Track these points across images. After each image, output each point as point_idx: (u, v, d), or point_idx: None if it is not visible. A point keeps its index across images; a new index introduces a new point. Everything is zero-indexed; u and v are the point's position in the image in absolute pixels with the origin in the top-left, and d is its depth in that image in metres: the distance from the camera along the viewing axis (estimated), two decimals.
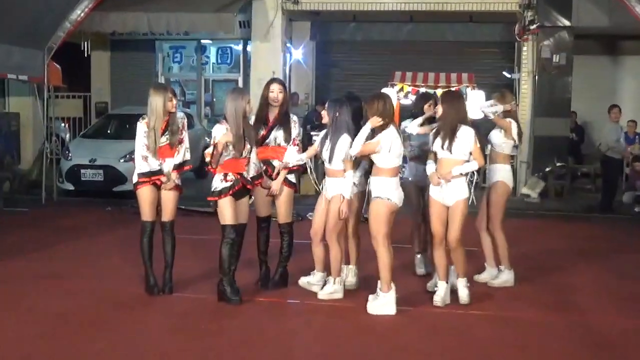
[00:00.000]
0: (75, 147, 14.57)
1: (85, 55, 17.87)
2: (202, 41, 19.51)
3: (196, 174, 15.69)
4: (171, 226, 7.11)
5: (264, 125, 7.21)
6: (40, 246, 9.33)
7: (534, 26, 15.12)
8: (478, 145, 6.75)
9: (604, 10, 14.76)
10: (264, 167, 7.18)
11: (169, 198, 7.03)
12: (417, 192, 7.87)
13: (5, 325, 6.22)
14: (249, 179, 6.91)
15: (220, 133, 6.68)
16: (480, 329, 6.34)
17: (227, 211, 6.74)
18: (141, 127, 6.89)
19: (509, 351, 5.84)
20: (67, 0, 12.77)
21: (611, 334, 6.33)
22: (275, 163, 7.19)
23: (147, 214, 7.02)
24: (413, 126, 7.56)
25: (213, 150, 6.66)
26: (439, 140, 6.76)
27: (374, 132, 6.64)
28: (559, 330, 6.35)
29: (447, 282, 6.90)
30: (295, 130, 7.22)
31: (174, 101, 6.96)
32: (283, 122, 7.18)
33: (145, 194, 6.96)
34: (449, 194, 6.74)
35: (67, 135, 18.91)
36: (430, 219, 6.94)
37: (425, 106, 7.67)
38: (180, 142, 7.01)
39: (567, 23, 15.15)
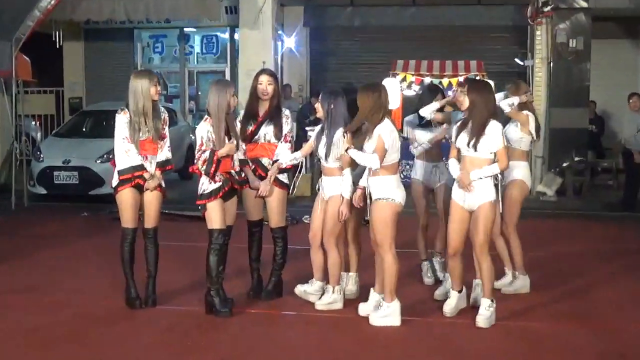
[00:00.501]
0: (47, 148, 14.56)
1: (57, 46, 17.85)
2: (185, 29, 19.53)
3: (180, 175, 15.71)
4: (154, 233, 7.11)
5: (253, 121, 7.23)
6: (9, 257, 9.31)
7: (548, 8, 15.14)
8: (505, 144, 6.62)
9: None
10: (253, 166, 7.20)
11: (151, 202, 7.04)
12: (425, 194, 7.89)
13: None
14: (237, 178, 6.94)
15: (205, 132, 6.71)
16: (493, 340, 6.36)
17: (215, 214, 6.76)
18: (121, 118, 6.87)
19: None
20: None
21: (636, 344, 6.35)
22: (265, 161, 7.21)
23: (128, 220, 7.02)
24: (427, 111, 7.53)
25: (212, 158, 6.67)
26: (464, 135, 6.56)
27: (360, 130, 6.64)
28: (578, 341, 6.37)
29: (459, 292, 6.85)
30: (288, 125, 7.23)
31: (158, 88, 6.96)
32: (274, 116, 7.19)
33: (126, 198, 6.95)
34: (472, 197, 6.54)
35: (38, 135, 18.90)
36: (448, 223, 6.79)
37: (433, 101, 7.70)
38: (163, 137, 7.03)
39: (584, 4, 15.17)
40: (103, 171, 12.91)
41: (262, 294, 7.40)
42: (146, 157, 6.93)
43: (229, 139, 6.80)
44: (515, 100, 7.49)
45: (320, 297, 7.13)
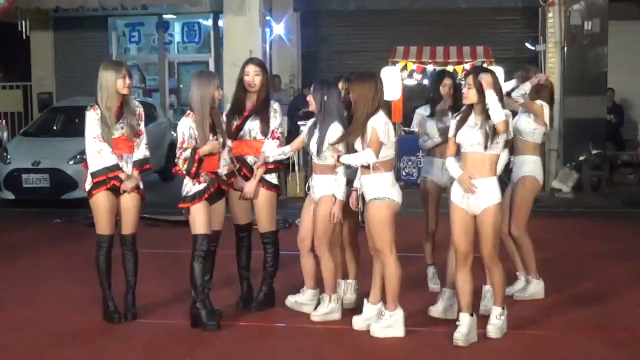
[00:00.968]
0: (14, 148, 14.55)
1: (24, 37, 17.80)
2: (164, 16, 19.48)
3: (161, 176, 15.69)
4: (133, 240, 7.10)
5: (238, 115, 7.24)
6: None
7: None
8: (512, 136, 6.53)
9: None
10: (238, 165, 7.19)
11: (129, 206, 7.02)
12: (436, 194, 7.85)
13: None
14: (224, 178, 6.94)
15: (187, 128, 6.71)
16: (505, 351, 6.37)
17: (200, 218, 6.75)
18: (91, 115, 6.87)
19: None
20: None
21: None
22: (250, 160, 7.22)
23: (103, 226, 7.01)
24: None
25: (193, 156, 6.67)
26: (468, 130, 6.38)
27: (350, 121, 6.66)
28: (598, 352, 6.38)
29: (471, 315, 6.48)
30: (276, 120, 7.22)
31: (127, 80, 6.91)
32: (260, 110, 7.19)
33: (101, 202, 6.94)
34: (475, 199, 6.36)
35: (5, 134, 18.86)
36: (451, 229, 6.57)
37: (441, 88, 7.70)
38: (138, 134, 7.01)
39: None
40: (76, 173, 12.87)
41: (252, 305, 7.40)
42: (121, 157, 6.92)
43: (214, 135, 6.80)
44: (527, 87, 7.46)
45: (315, 307, 7.13)
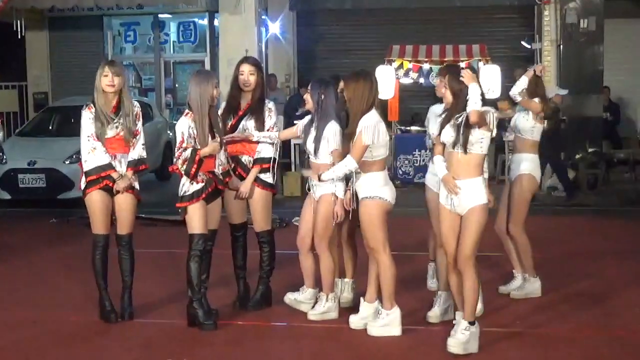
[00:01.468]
0: (10, 148, 14.53)
1: (19, 36, 17.79)
2: (160, 15, 19.48)
3: (157, 176, 15.68)
4: (129, 240, 7.09)
5: (233, 114, 7.23)
6: None
7: None
8: (491, 134, 6.21)
9: None
10: (233, 165, 7.19)
11: (124, 206, 7.01)
12: None
13: None
14: (220, 177, 6.94)
15: (186, 127, 6.70)
16: (503, 349, 6.37)
17: (197, 218, 6.75)
18: (85, 114, 6.89)
19: None
20: None
21: None
22: (245, 159, 7.22)
23: (99, 226, 7.00)
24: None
25: (194, 157, 6.66)
26: (449, 129, 6.21)
27: (347, 120, 6.64)
28: (595, 349, 6.39)
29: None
30: (271, 119, 7.21)
31: (109, 79, 6.84)
32: (255, 109, 7.19)
33: (96, 201, 6.94)
34: (460, 200, 6.18)
35: (0, 134, 18.84)
36: (440, 232, 6.49)
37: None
38: (135, 134, 6.99)
39: None
40: (72, 173, 12.87)
41: (249, 304, 7.40)
42: (115, 156, 6.91)
43: (213, 135, 6.79)
44: (524, 82, 7.47)
45: (312, 306, 7.13)
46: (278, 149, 7.33)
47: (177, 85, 20.23)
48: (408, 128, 15.83)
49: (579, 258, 9.56)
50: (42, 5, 16.54)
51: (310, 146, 6.95)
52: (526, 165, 7.63)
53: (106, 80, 6.85)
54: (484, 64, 14.78)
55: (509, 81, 12.47)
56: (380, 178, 6.60)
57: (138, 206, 7.16)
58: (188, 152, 6.67)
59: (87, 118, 6.87)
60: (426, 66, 15.13)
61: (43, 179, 13.61)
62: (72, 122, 13.73)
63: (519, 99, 7.52)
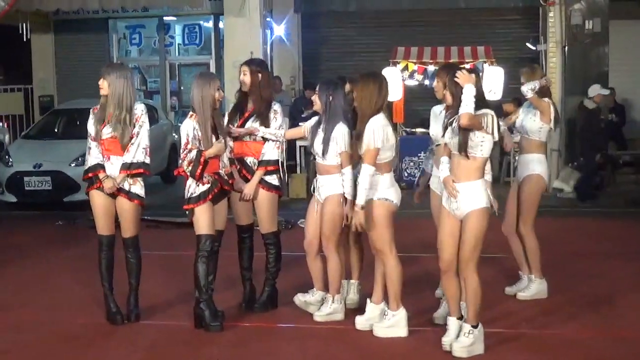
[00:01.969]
0: (16, 151, 14.56)
1: (25, 39, 17.82)
2: (165, 18, 19.52)
3: (163, 178, 15.70)
4: (133, 242, 7.11)
5: (239, 116, 7.26)
6: None
7: None
8: (492, 137, 6.08)
9: None
10: (238, 167, 7.22)
11: (125, 210, 7.01)
12: None
13: None
14: (226, 178, 6.95)
15: (190, 129, 6.72)
16: (509, 351, 6.38)
17: (204, 219, 6.78)
18: (90, 116, 7.01)
19: None
20: None
21: None
22: (250, 161, 7.24)
23: (102, 227, 7.04)
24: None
25: (199, 158, 6.68)
26: (450, 131, 6.14)
27: (355, 123, 6.66)
28: (599, 350, 6.40)
29: (460, 318, 6.31)
30: (277, 121, 7.22)
31: (101, 81, 6.89)
32: (261, 111, 7.21)
33: (96, 202, 6.99)
34: (459, 203, 6.12)
35: (6, 137, 18.90)
36: (438, 233, 6.40)
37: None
38: (132, 137, 6.93)
39: None
40: (78, 175, 12.79)
41: (255, 306, 7.42)
42: (108, 158, 6.94)
43: (217, 137, 6.81)
44: (536, 84, 7.52)
45: (319, 308, 7.14)
46: (283, 151, 7.36)
47: (182, 88, 20.25)
48: (413, 130, 15.84)
49: (584, 259, 9.55)
50: (47, 8, 16.54)
51: (318, 147, 6.96)
52: (535, 165, 7.65)
53: (100, 83, 6.92)
54: (489, 66, 14.78)
55: (514, 82, 12.50)
56: (387, 180, 6.62)
57: (141, 209, 7.16)
58: (193, 154, 6.70)
59: (89, 120, 6.97)
60: (431, 68, 15.13)
61: (49, 182, 13.64)
62: (77, 124, 13.80)
63: (530, 95, 7.54)
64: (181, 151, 6.82)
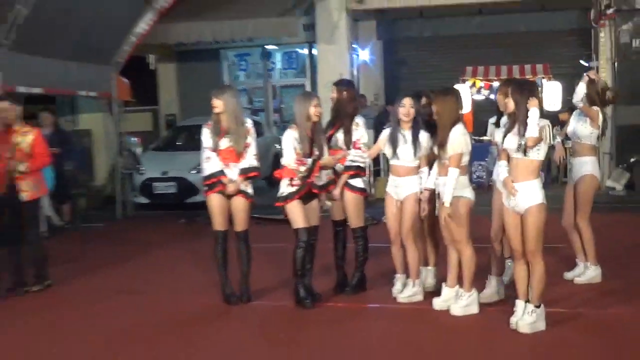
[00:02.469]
0: (147, 161, 14.89)
1: (150, 68, 18.21)
2: (267, 47, 19.70)
3: (268, 182, 15.86)
4: (245, 236, 7.22)
5: (331, 128, 7.35)
6: (117, 261, 9.61)
7: (611, 10, 14.83)
8: (547, 144, 5.99)
9: None
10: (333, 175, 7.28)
11: (238, 207, 7.14)
12: None
13: (85, 340, 6.45)
14: (315, 183, 7.00)
15: (292, 138, 6.84)
16: (570, 327, 6.27)
17: (296, 214, 6.87)
18: (204, 130, 7.11)
19: (607, 354, 5.73)
20: (129, 14, 13.11)
21: None
22: (337, 167, 7.26)
23: (218, 223, 7.16)
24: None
25: (314, 165, 6.84)
26: (512, 137, 6.05)
27: (431, 131, 6.68)
28: None
29: (527, 301, 6.14)
30: (359, 132, 7.23)
31: (214, 101, 7.01)
32: (345, 124, 7.26)
33: (213, 203, 7.10)
34: (518, 200, 6.03)
35: (139, 150, 19.35)
36: (505, 229, 6.32)
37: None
38: (246, 146, 7.10)
39: None
40: (197, 181, 13.06)
41: (347, 289, 7.45)
42: (227, 165, 7.04)
43: (311, 148, 6.89)
44: (582, 88, 7.43)
45: (401, 291, 7.14)
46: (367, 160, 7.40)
47: (283, 106, 20.42)
48: (481, 138, 15.65)
49: (635, 250, 9.29)
50: (169, 41, 16.90)
51: (403, 152, 6.92)
52: (588, 167, 7.51)
53: (213, 102, 7.04)
54: (547, 81, 14.55)
55: (569, 95, 12.25)
56: (465, 180, 6.60)
57: (251, 207, 7.26)
58: (310, 161, 6.79)
59: (205, 133, 7.08)
60: (496, 84, 14.96)
61: (174, 186, 13.94)
62: (196, 138, 13.97)
63: (580, 105, 7.43)
64: (286, 153, 6.88)
